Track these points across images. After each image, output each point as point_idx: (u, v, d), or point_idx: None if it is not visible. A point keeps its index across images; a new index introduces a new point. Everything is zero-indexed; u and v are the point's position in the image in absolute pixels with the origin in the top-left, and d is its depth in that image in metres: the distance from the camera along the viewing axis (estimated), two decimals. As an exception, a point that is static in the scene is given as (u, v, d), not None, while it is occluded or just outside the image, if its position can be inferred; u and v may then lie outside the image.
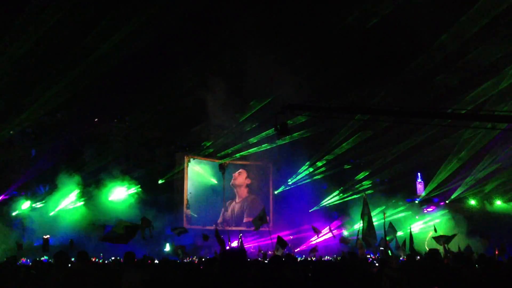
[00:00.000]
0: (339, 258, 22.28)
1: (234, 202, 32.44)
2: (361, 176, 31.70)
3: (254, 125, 28.62)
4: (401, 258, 17.72)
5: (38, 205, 24.10)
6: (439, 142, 26.48)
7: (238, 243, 24.88)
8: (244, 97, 27.57)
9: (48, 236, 21.51)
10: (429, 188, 30.95)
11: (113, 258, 20.75)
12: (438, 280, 7.26)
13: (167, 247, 25.79)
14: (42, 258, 19.37)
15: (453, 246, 18.71)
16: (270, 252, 23.50)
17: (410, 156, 27.92)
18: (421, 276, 7.57)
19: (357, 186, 32.02)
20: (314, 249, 24.44)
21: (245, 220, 31.55)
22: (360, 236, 18.15)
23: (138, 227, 15.50)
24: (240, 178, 32.80)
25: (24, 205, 23.68)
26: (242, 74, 26.43)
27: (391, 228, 19.88)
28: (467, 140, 25.38)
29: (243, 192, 32.77)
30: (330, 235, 26.38)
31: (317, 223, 29.23)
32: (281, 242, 20.40)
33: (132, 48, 23.20)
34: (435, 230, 22.43)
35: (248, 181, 32.92)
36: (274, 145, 29.93)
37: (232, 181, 32.58)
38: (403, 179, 31.93)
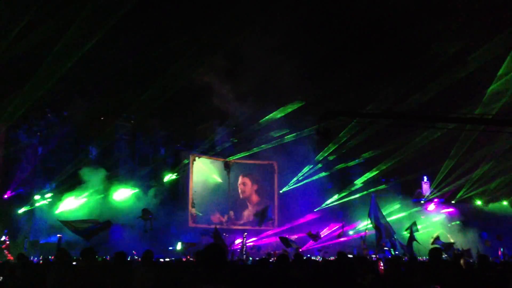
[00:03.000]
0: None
1: (246, 209, 32.24)
2: (366, 176, 31.62)
3: (259, 123, 28.73)
4: (404, 258, 17.67)
5: (45, 202, 24.17)
6: (445, 143, 26.45)
7: (242, 241, 24.90)
8: (251, 97, 27.69)
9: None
10: (434, 186, 30.92)
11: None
12: (440, 279, 7.22)
13: (179, 246, 25.82)
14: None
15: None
16: (277, 251, 23.52)
17: (416, 157, 27.87)
18: (423, 275, 7.54)
19: (360, 182, 31.94)
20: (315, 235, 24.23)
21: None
22: (364, 236, 18.08)
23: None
24: (247, 188, 32.55)
25: (31, 203, 23.78)
26: (250, 75, 26.50)
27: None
28: (473, 141, 25.42)
29: (254, 199, 32.57)
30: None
31: (321, 223, 29.28)
32: (285, 242, 20.42)
33: (138, 47, 23.33)
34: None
35: (255, 187, 32.72)
36: (279, 144, 30.06)
37: (241, 194, 32.33)
38: (409, 178, 31.88)
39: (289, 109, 27.72)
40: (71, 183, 24.72)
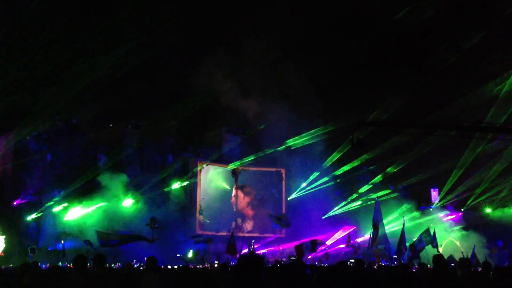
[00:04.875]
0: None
1: (244, 221, 31.99)
2: (373, 182, 31.48)
3: (268, 131, 28.76)
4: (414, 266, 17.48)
5: (53, 209, 24.29)
6: (454, 150, 26.31)
7: (249, 249, 24.83)
8: (260, 104, 27.74)
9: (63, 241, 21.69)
10: (443, 194, 30.74)
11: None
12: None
13: (190, 254, 25.84)
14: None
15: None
16: (284, 259, 23.42)
17: (425, 164, 27.75)
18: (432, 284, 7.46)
19: (368, 189, 31.77)
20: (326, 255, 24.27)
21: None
22: (371, 242, 17.90)
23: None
24: (239, 200, 31.93)
25: (40, 210, 23.91)
26: (259, 82, 26.57)
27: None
28: (482, 148, 25.29)
29: (248, 211, 32.14)
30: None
31: (330, 230, 29.18)
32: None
33: (147, 54, 23.47)
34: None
35: (248, 199, 32.21)
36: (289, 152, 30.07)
37: (234, 207, 31.79)
38: (417, 186, 31.69)
39: None
40: (80, 191, 24.86)
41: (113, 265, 20.17)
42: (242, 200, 32.10)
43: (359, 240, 29.94)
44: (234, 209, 31.79)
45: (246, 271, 3.61)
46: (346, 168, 30.22)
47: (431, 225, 30.58)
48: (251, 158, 30.81)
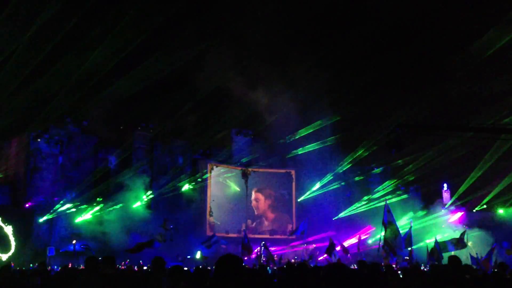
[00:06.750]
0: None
1: (260, 221, 32.02)
2: (386, 184, 31.24)
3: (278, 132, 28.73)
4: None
5: (65, 211, 24.47)
6: (466, 151, 26.03)
7: (260, 250, 24.74)
8: (269, 105, 27.71)
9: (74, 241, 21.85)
10: (457, 195, 30.42)
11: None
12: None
13: (198, 255, 25.84)
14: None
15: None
16: (293, 260, 23.32)
17: (437, 164, 27.46)
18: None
19: (379, 191, 31.54)
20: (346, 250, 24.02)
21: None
22: (381, 244, 17.77)
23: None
24: (260, 204, 32.13)
25: (52, 212, 24.10)
26: (267, 82, 26.52)
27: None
28: (494, 149, 25.00)
29: (269, 215, 32.24)
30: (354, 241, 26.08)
31: (340, 232, 28.96)
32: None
33: (157, 57, 23.59)
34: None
35: (269, 202, 32.33)
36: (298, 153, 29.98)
37: (255, 211, 31.95)
38: (429, 187, 31.39)
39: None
40: (91, 193, 25.03)
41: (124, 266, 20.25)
42: (263, 203, 32.21)
43: (370, 241, 29.71)
44: (256, 213, 31.90)
45: (225, 272, 3.56)
46: (347, 166, 30.07)
47: (443, 226, 30.43)
48: (258, 156, 30.81)
